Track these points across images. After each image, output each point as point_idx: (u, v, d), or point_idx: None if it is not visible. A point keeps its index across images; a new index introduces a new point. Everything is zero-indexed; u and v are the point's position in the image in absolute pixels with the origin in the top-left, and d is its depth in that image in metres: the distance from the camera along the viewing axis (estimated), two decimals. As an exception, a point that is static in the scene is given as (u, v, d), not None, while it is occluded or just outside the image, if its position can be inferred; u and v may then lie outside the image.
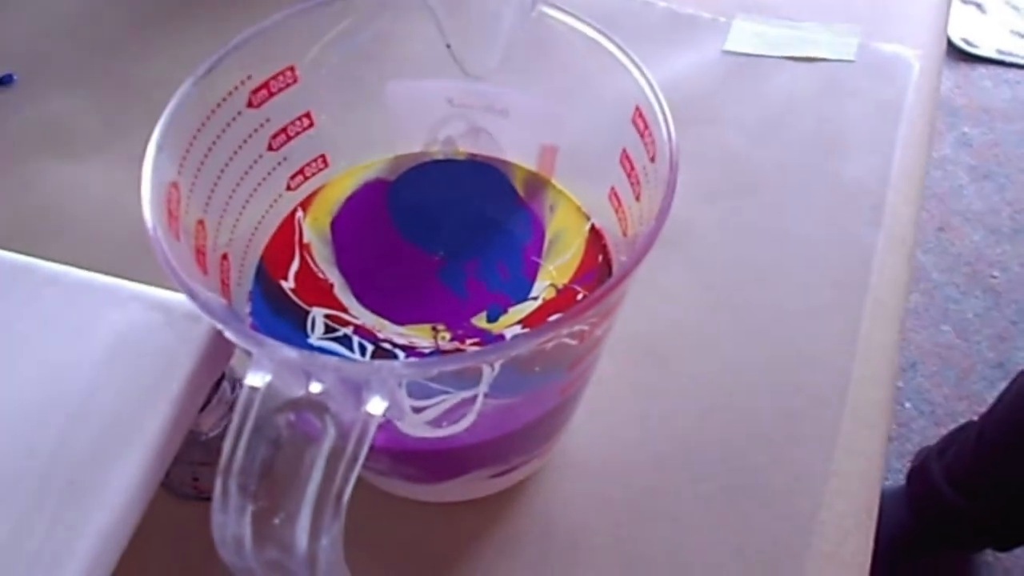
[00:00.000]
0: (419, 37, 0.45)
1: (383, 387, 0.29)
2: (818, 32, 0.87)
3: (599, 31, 0.40)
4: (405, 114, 0.50)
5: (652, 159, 0.37)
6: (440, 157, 0.52)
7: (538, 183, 0.50)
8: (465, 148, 0.52)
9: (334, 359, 0.29)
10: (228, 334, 0.30)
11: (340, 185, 0.50)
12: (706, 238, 0.67)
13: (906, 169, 0.72)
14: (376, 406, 0.28)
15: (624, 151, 0.41)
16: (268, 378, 0.29)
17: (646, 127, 0.38)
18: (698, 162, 0.73)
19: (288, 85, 0.43)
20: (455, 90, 0.48)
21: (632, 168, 0.41)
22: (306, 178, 0.49)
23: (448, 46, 0.45)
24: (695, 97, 0.82)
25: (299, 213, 0.49)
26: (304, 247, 0.47)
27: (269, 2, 0.88)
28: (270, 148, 0.45)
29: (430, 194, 0.50)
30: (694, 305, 0.62)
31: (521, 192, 0.50)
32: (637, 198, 0.40)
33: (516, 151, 0.50)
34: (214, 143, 0.40)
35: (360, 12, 0.43)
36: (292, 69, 0.43)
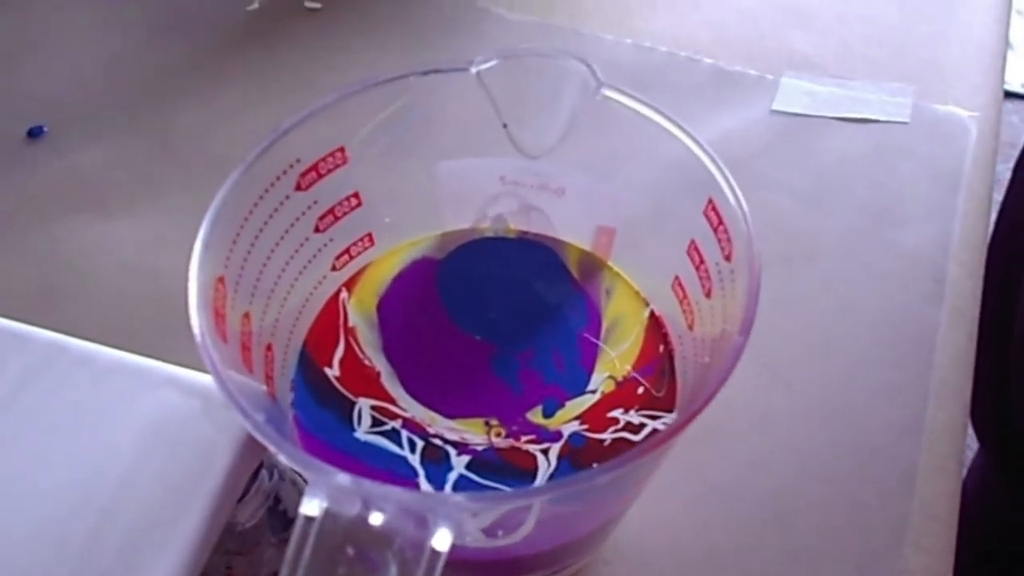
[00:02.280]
0: (472, 116, 0.44)
1: (450, 518, 0.27)
2: (869, 92, 0.86)
3: (669, 119, 0.38)
4: (455, 191, 0.48)
5: (727, 258, 0.36)
6: (490, 234, 0.50)
7: (593, 265, 0.48)
8: (516, 226, 0.50)
9: (397, 490, 0.27)
10: (283, 457, 0.28)
11: (386, 264, 0.49)
12: (759, 308, 0.65)
13: (967, 239, 0.70)
14: (443, 541, 0.27)
15: (693, 243, 0.39)
16: (324, 505, 0.27)
17: (720, 223, 0.36)
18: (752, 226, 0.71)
19: (337, 166, 0.42)
20: (508, 168, 0.46)
21: (702, 262, 0.39)
22: (351, 257, 0.48)
23: (504, 126, 0.43)
24: (743, 158, 0.80)
25: (343, 294, 0.47)
26: (349, 331, 0.46)
27: (297, 48, 0.86)
28: (317, 230, 0.44)
29: (480, 273, 0.49)
30: (748, 383, 0.60)
31: (575, 273, 0.48)
32: (707, 295, 0.38)
33: (571, 231, 0.49)
34: (261, 230, 0.39)
35: (413, 92, 0.41)
36: (342, 150, 0.42)
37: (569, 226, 0.48)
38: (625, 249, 0.47)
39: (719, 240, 0.37)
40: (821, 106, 0.84)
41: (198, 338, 0.31)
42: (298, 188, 0.41)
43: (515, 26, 1.10)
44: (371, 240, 0.48)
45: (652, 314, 0.45)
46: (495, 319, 0.47)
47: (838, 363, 0.61)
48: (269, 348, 0.41)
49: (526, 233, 0.50)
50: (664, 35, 1.07)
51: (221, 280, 0.35)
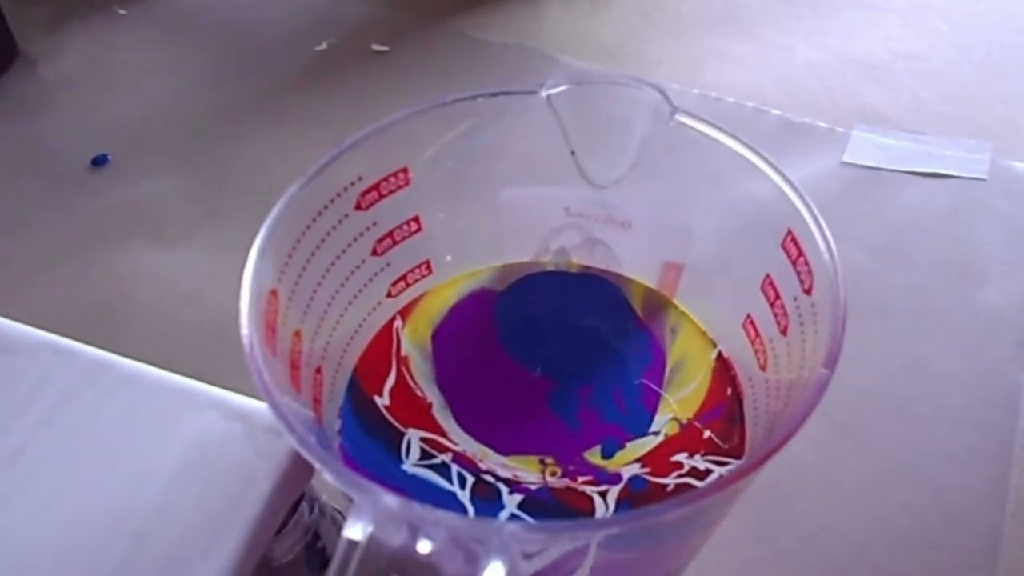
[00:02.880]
0: (539, 142, 0.42)
1: (503, 552, 0.25)
2: (945, 147, 0.83)
3: (748, 147, 0.36)
4: (517, 221, 0.47)
5: (808, 291, 0.33)
6: (551, 268, 0.49)
7: (658, 302, 0.46)
8: (579, 260, 0.48)
9: (449, 515, 0.25)
10: (328, 475, 0.26)
11: (443, 294, 0.47)
12: (828, 365, 0.62)
13: (1051, 300, 0.66)
14: (495, 575, 0.24)
15: (768, 278, 0.37)
16: (369, 529, 0.25)
17: (800, 254, 0.34)
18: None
19: (399, 187, 0.41)
20: (574, 198, 0.45)
21: (777, 297, 0.37)
22: (408, 285, 0.46)
23: (572, 153, 0.42)
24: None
25: (398, 322, 0.46)
26: (401, 360, 0.44)
27: (363, 89, 0.85)
28: (374, 253, 0.42)
29: (540, 308, 0.47)
30: (817, 439, 0.57)
31: (639, 311, 0.46)
32: (783, 332, 0.36)
33: (635, 266, 0.47)
34: (318, 247, 0.38)
35: (480, 115, 0.40)
36: (405, 171, 0.41)
37: (634, 261, 0.47)
38: (692, 286, 0.45)
39: (798, 272, 0.34)
40: (894, 160, 0.82)
41: (247, 347, 0.30)
42: (358, 207, 0.40)
43: (581, 74, 1.10)
44: (429, 268, 0.46)
45: (720, 355, 0.43)
46: (554, 354, 0.45)
47: (913, 423, 0.58)
48: (318, 371, 0.39)
49: (589, 268, 0.48)
50: (732, 87, 1.06)
51: (274, 293, 0.34)
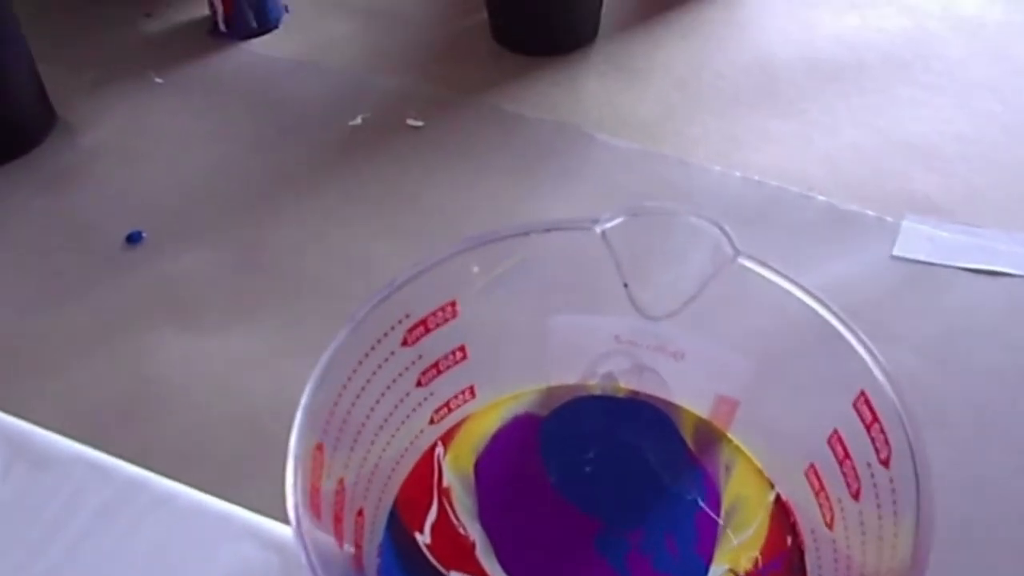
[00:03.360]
0: (591, 273, 0.41)
1: None
2: (1000, 241, 0.81)
3: (819, 300, 0.35)
4: (564, 346, 0.45)
5: (884, 462, 0.32)
6: (598, 392, 0.47)
7: (711, 435, 0.45)
8: (627, 385, 0.47)
9: None
10: None
11: (486, 418, 0.46)
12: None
13: (1116, 413, 0.64)
14: None
15: (836, 433, 0.36)
16: None
17: (875, 420, 0.33)
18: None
19: (447, 320, 0.40)
20: (624, 327, 0.44)
21: (847, 457, 0.35)
22: (450, 410, 0.45)
23: (625, 286, 0.41)
24: (862, 307, 0.76)
25: (439, 449, 0.45)
26: (443, 492, 0.43)
27: (398, 164, 0.84)
28: (419, 384, 0.41)
29: (586, 434, 0.46)
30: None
31: (690, 443, 0.45)
32: (855, 496, 0.34)
33: (687, 396, 0.45)
34: (363, 388, 0.37)
35: (532, 248, 0.39)
36: (453, 304, 0.40)
37: (686, 391, 0.45)
38: (748, 423, 0.43)
39: (872, 439, 0.33)
40: (946, 254, 0.80)
41: (293, 522, 0.29)
42: (404, 343, 0.39)
43: (619, 153, 1.08)
44: (472, 393, 0.45)
45: (778, 498, 0.42)
46: (601, 490, 0.43)
47: (976, 552, 0.56)
48: (360, 513, 0.38)
49: (637, 393, 0.47)
50: (774, 169, 1.05)
51: (319, 448, 0.33)
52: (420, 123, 1.09)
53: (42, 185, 1.00)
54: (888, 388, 0.33)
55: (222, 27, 1.28)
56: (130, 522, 0.45)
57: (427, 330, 0.40)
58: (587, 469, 0.45)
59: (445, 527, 0.42)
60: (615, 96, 1.10)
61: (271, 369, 0.72)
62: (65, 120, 1.12)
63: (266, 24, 1.30)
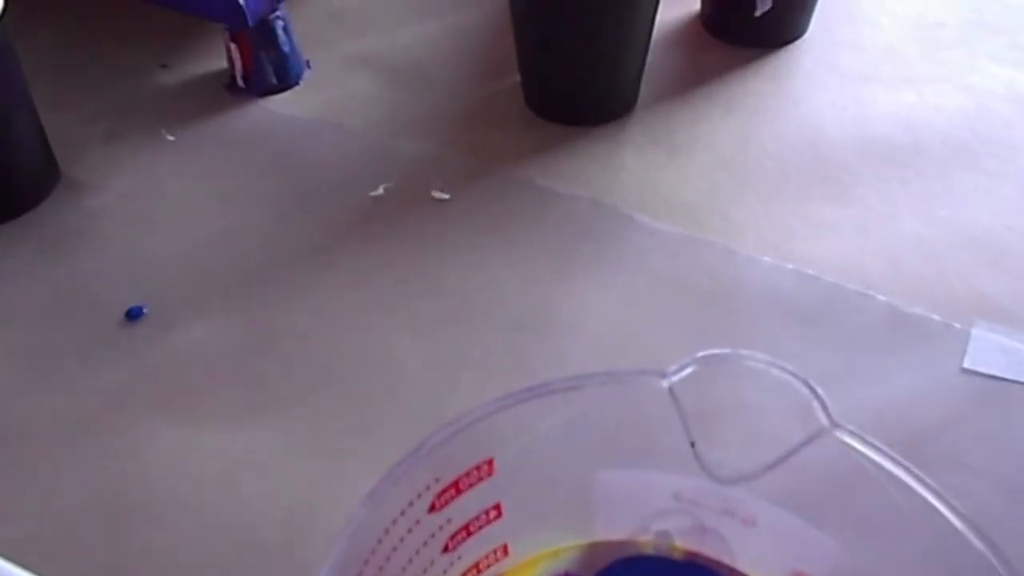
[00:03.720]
0: (650, 425, 0.37)
1: None
2: (1083, 357, 0.76)
3: (933, 490, 0.30)
4: (614, 500, 0.41)
5: None
6: (650, 551, 0.42)
7: (783, 613, 0.40)
8: (684, 545, 0.42)
9: None
10: None
11: (520, 579, 0.41)
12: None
13: None
14: None
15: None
16: None
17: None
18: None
19: (481, 479, 0.35)
20: (687, 486, 0.39)
21: None
22: (479, 572, 0.40)
23: (692, 445, 0.36)
24: (929, 430, 0.71)
25: (464, 618, 0.40)
26: (467, 674, 0.38)
27: (421, 242, 0.80)
28: (445, 550, 0.37)
29: (635, 604, 0.41)
30: None
31: (757, 620, 0.40)
32: None
33: (757, 566, 0.40)
34: (380, 570, 0.32)
35: (586, 402, 0.34)
36: (489, 463, 0.35)
37: (757, 561, 0.40)
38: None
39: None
40: (1023, 369, 0.75)
41: None
42: (432, 510, 0.34)
43: (660, 237, 1.03)
44: (505, 552, 0.40)
45: None
46: None
47: None
48: None
49: (696, 555, 0.42)
50: (829, 263, 0.99)
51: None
52: (446, 196, 1.05)
53: (40, 249, 0.96)
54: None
55: (240, 82, 1.25)
56: None
57: (458, 492, 0.35)
58: (636, 647, 0.39)
59: None
60: (654, 173, 1.06)
61: (272, 473, 0.67)
62: (70, 177, 1.09)
63: (287, 80, 1.27)
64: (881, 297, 0.86)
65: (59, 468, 0.74)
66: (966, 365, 0.75)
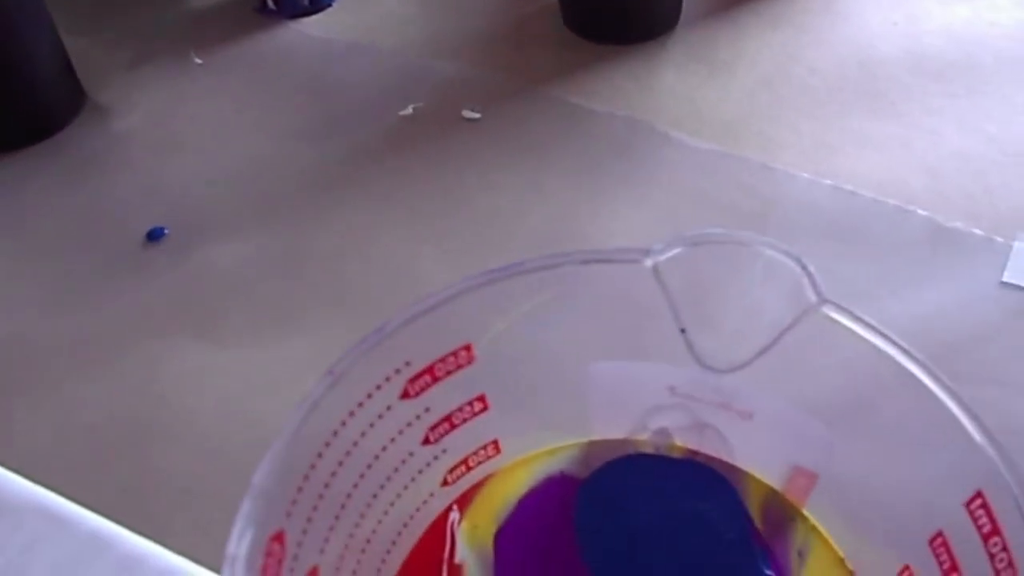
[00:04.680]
0: (640, 312, 0.35)
1: None
2: None
3: (929, 371, 0.28)
4: (609, 397, 0.39)
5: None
6: (649, 450, 0.41)
7: (783, 511, 0.38)
8: (684, 443, 0.41)
9: None
10: None
11: (512, 478, 0.40)
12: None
13: None
14: None
15: (941, 536, 0.29)
16: None
17: (995, 531, 0.26)
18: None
19: (460, 367, 0.34)
20: (681, 378, 0.37)
21: (953, 567, 0.28)
22: (469, 468, 0.39)
23: (682, 331, 0.34)
24: (966, 343, 0.68)
25: (454, 515, 0.39)
26: (454, 571, 0.37)
27: (451, 161, 0.78)
28: (426, 441, 0.35)
29: (632, 503, 0.39)
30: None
31: (757, 518, 0.38)
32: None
33: (755, 463, 0.39)
34: (347, 454, 0.31)
35: (566, 283, 0.33)
36: (468, 348, 0.34)
37: (755, 457, 0.39)
38: (830, 502, 0.36)
39: (992, 556, 0.26)
40: (1068, 284, 0.72)
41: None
42: (405, 396, 0.33)
43: (696, 154, 1.00)
44: (497, 448, 0.39)
45: (863, 597, 0.35)
46: (645, 574, 0.37)
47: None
48: (344, 602, 0.32)
49: (696, 454, 0.41)
50: (869, 178, 0.96)
51: (278, 538, 0.27)
52: (477, 115, 1.02)
53: (64, 173, 0.96)
54: (1018, 493, 0.26)
55: (271, 4, 1.23)
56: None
57: (435, 378, 0.34)
58: (631, 548, 0.38)
59: (453, 615, 0.36)
60: (695, 91, 1.03)
61: (294, 391, 0.67)
62: (95, 102, 1.08)
63: (319, 2, 1.25)
64: (921, 212, 0.83)
65: (79, 386, 0.75)
66: (1006, 278, 0.72)
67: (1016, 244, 0.75)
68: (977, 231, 0.78)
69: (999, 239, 0.77)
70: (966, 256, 0.76)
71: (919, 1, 1.17)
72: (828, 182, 0.87)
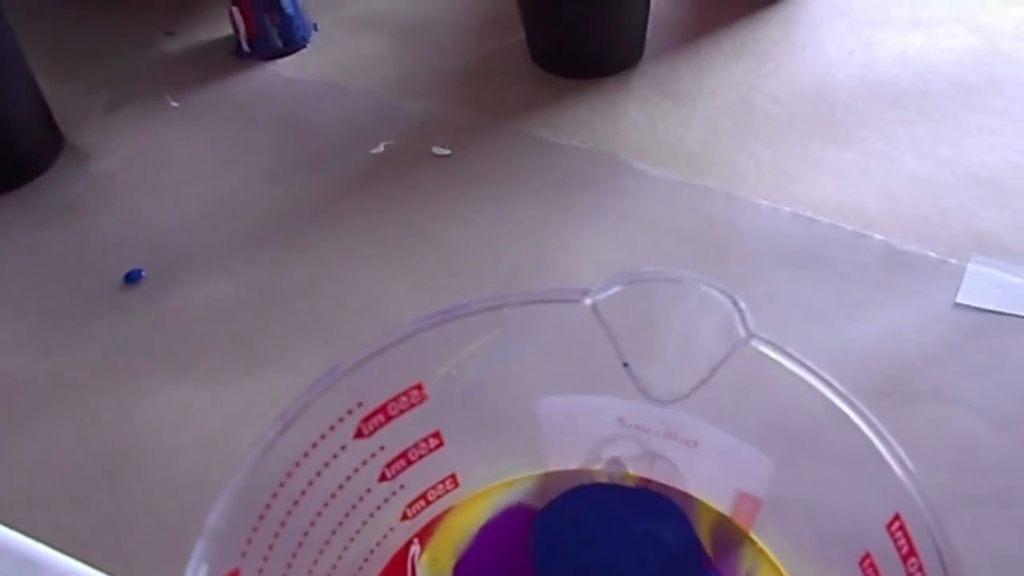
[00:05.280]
0: (585, 349, 0.36)
1: None
2: (1080, 289, 0.74)
3: (847, 400, 0.29)
4: (562, 429, 0.40)
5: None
6: (604, 479, 0.42)
7: (731, 534, 0.39)
8: (636, 472, 0.42)
9: None
10: None
11: (471, 510, 0.41)
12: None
13: None
14: None
15: (869, 558, 0.30)
16: None
17: (911, 552, 0.27)
18: (928, 455, 0.60)
19: (413, 406, 0.35)
20: (628, 410, 0.38)
21: (882, 588, 0.29)
22: (428, 503, 0.40)
23: (625, 365, 0.35)
24: (921, 363, 0.70)
25: (415, 548, 0.40)
26: (415, 602, 0.38)
27: (421, 198, 0.80)
28: (383, 479, 0.36)
29: (588, 530, 0.40)
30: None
31: (707, 542, 0.39)
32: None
33: (704, 489, 0.40)
34: (302, 494, 0.32)
35: (511, 323, 0.34)
36: (419, 388, 0.35)
37: (703, 483, 0.40)
38: (774, 526, 0.38)
39: (909, 574, 0.27)
40: (1017, 302, 0.73)
41: None
42: (359, 435, 0.34)
43: (660, 184, 1.02)
44: (455, 482, 0.40)
45: (808, 618, 0.36)
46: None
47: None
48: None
49: (648, 482, 0.42)
50: (828, 204, 0.98)
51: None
52: (447, 151, 1.04)
53: (43, 217, 0.97)
54: (928, 517, 0.27)
55: (245, 47, 1.25)
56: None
57: (388, 417, 0.35)
58: (587, 573, 0.39)
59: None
60: (658, 123, 1.05)
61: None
62: (73, 146, 1.09)
63: (293, 43, 1.26)
64: (878, 236, 0.84)
65: (56, 426, 0.75)
66: (960, 300, 0.74)
67: (969, 266, 0.77)
68: (932, 254, 0.80)
69: (953, 261, 0.79)
70: (921, 278, 0.78)
71: (875, 30, 1.19)
72: (788, 209, 0.88)
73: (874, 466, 0.29)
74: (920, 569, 0.27)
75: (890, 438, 0.28)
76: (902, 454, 0.28)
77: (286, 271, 0.88)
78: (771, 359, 0.31)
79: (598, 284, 0.34)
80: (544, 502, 0.42)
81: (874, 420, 0.29)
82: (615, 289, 0.34)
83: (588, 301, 0.34)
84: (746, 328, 0.32)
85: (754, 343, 0.31)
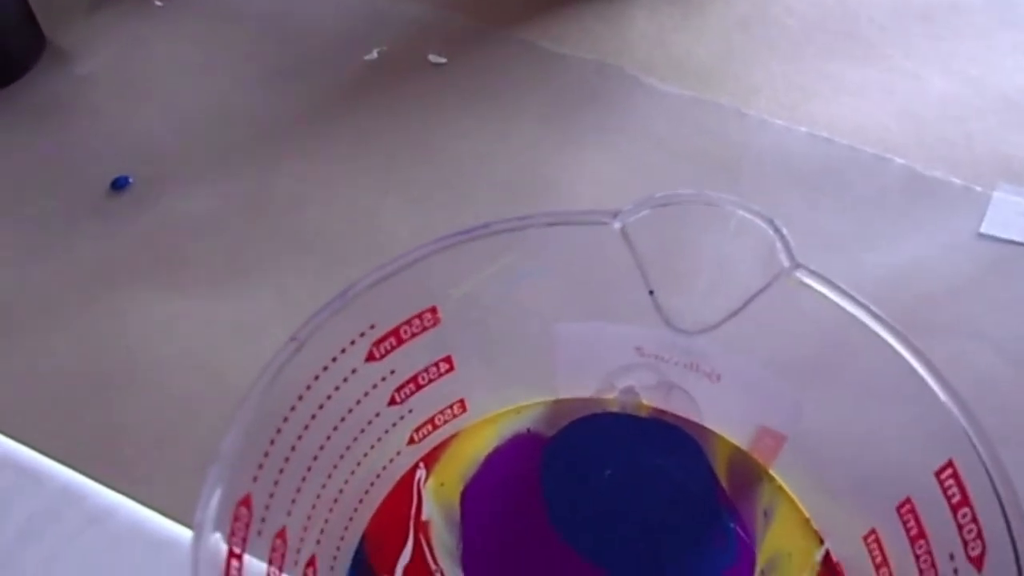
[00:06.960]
0: (607, 273, 0.36)
1: None
2: (1109, 222, 0.74)
3: (901, 338, 0.29)
4: (576, 356, 0.40)
5: (975, 561, 0.26)
6: (615, 409, 0.42)
7: (749, 470, 0.39)
8: (650, 402, 0.42)
9: None
10: None
11: (479, 436, 0.41)
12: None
13: None
14: None
15: (909, 503, 0.30)
16: None
17: (964, 502, 0.27)
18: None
19: (426, 329, 0.35)
20: (648, 339, 0.38)
21: (921, 536, 0.30)
22: (435, 427, 0.40)
23: (651, 293, 0.35)
24: (941, 295, 0.70)
25: (420, 472, 0.40)
26: (421, 527, 0.38)
27: (416, 107, 0.79)
28: (392, 402, 0.36)
29: (597, 461, 0.41)
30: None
31: (723, 477, 0.40)
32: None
33: (722, 423, 0.40)
34: (313, 418, 0.32)
35: (530, 245, 0.33)
36: (433, 311, 0.34)
37: (722, 417, 0.40)
38: (797, 462, 0.38)
39: (960, 527, 0.27)
40: (1044, 235, 0.74)
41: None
42: (370, 359, 0.33)
43: (668, 100, 1.00)
44: (463, 406, 0.40)
45: (827, 557, 0.36)
46: (610, 534, 0.38)
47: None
48: (310, 564, 0.33)
49: (663, 413, 0.42)
50: (847, 125, 0.96)
51: (245, 503, 0.28)
52: (443, 60, 1.02)
53: (25, 120, 0.96)
54: (990, 465, 0.27)
55: (231, -58, 1.22)
56: (56, 542, 0.41)
57: (400, 341, 0.35)
58: (595, 506, 0.39)
59: (420, 571, 0.37)
60: (667, 35, 1.03)
61: (259, 340, 0.68)
62: (57, 46, 1.07)
63: (282, -60, 1.23)
64: (899, 160, 0.84)
65: (44, 337, 0.75)
66: (983, 230, 0.73)
67: (996, 194, 0.76)
68: (956, 180, 0.79)
69: (978, 188, 0.79)
70: (944, 206, 0.78)
71: (902, -61, 1.17)
72: (803, 129, 0.88)
73: (927, 408, 0.29)
74: (974, 520, 0.27)
75: (949, 381, 0.28)
76: (963, 398, 0.28)
77: (275, 181, 0.87)
78: (814, 290, 0.31)
79: (628, 205, 0.34)
80: (554, 430, 0.42)
81: (933, 362, 0.29)
82: (646, 212, 0.34)
83: (617, 224, 0.33)
84: (790, 257, 0.31)
85: (798, 274, 0.31)
